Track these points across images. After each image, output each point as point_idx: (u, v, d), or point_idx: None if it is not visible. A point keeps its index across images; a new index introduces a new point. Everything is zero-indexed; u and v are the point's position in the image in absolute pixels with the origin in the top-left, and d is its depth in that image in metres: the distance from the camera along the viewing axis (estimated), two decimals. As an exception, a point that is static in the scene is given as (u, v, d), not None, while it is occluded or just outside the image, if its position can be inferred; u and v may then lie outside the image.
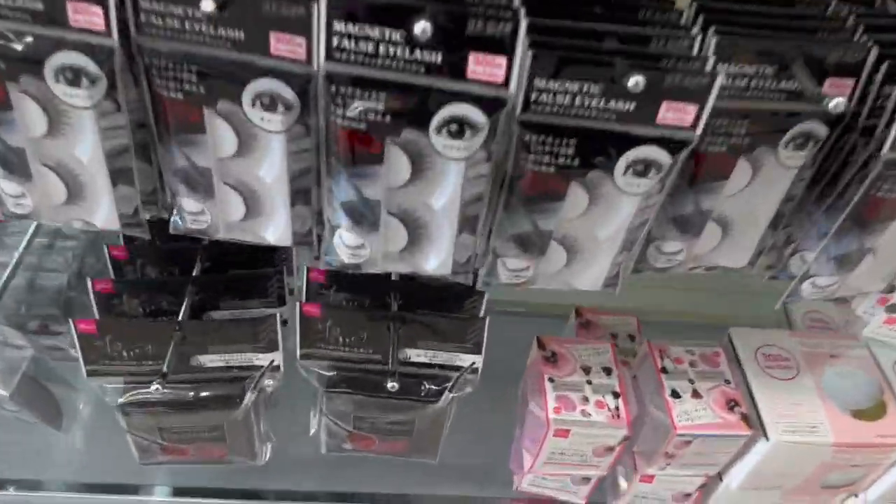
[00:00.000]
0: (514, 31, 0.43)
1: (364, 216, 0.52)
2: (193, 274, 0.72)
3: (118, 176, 0.52)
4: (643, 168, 0.48)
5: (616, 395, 0.76)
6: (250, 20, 0.44)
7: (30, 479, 0.82)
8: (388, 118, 0.46)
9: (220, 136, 0.50)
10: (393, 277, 0.72)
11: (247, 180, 0.53)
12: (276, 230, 0.56)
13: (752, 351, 0.82)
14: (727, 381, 0.79)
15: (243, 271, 0.73)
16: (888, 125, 0.50)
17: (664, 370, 0.79)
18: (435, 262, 0.55)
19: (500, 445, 0.88)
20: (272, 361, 0.70)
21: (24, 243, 0.75)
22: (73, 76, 0.46)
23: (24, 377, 0.67)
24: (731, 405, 0.77)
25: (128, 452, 0.76)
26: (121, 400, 0.69)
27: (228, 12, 0.44)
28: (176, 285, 0.70)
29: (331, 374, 0.72)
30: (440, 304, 0.69)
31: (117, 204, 0.54)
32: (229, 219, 0.56)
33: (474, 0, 0.44)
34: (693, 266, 0.62)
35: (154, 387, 0.63)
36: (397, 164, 0.48)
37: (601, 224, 0.53)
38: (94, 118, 0.48)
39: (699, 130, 0.47)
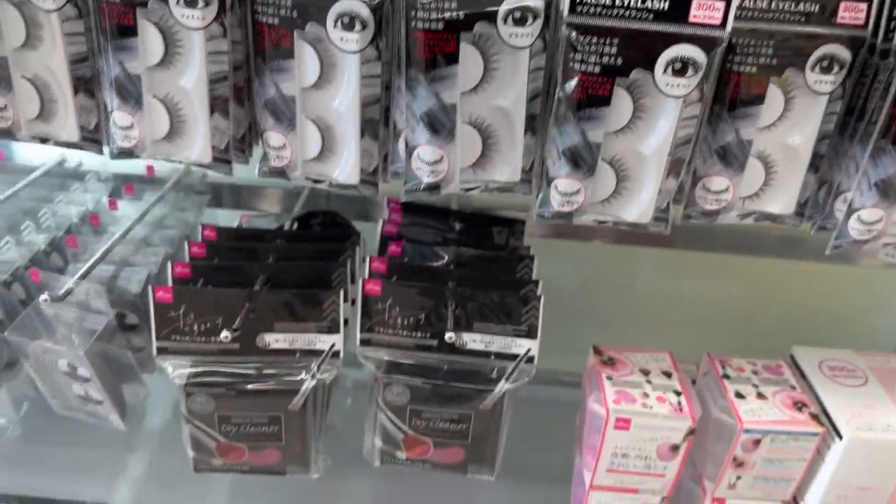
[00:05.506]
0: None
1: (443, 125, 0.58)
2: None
3: (216, 104, 0.60)
4: (681, 66, 0.54)
5: (678, 393, 0.75)
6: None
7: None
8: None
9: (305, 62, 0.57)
10: (451, 267, 0.75)
11: (324, 114, 0.60)
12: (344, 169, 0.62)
13: (815, 364, 0.81)
14: (792, 387, 0.77)
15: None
16: (903, 38, 0.55)
17: (726, 376, 0.78)
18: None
19: (560, 462, 0.86)
20: (333, 345, 0.72)
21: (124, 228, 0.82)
22: (192, -2, 0.55)
23: (99, 340, 0.70)
24: (799, 406, 0.74)
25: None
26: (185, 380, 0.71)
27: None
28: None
29: (388, 359, 0.74)
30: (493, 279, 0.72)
31: (211, 136, 0.61)
32: (306, 156, 0.62)
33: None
34: (742, 214, 0.64)
35: (224, 334, 0.65)
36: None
37: (645, 137, 0.57)
38: (202, 40, 0.57)
39: (728, 28, 0.53)
